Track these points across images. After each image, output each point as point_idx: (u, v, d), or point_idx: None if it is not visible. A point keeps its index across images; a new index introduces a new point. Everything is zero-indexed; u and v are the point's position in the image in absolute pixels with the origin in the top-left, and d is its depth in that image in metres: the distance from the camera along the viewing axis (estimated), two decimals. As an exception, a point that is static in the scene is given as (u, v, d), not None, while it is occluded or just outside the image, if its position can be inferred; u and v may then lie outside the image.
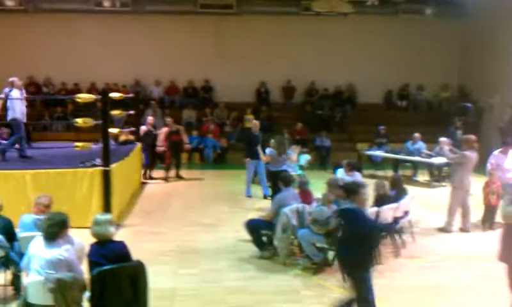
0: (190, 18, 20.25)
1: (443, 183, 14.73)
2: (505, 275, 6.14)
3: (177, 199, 12.71)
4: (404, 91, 21.85)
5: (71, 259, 5.21)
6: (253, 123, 13.15)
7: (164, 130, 14.86)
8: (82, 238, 6.66)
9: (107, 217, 5.40)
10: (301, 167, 14.61)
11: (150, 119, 15.27)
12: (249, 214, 10.58)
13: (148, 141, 14.71)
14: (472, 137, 10.23)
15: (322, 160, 17.82)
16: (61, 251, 5.13)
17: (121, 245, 5.35)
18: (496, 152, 10.56)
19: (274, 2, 19.78)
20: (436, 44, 21.37)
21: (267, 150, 11.53)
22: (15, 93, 11.07)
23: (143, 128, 14.92)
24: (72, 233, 6.51)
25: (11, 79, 11.19)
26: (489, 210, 10.10)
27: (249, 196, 12.90)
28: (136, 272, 5.12)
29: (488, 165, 10.41)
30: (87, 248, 5.38)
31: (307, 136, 19.14)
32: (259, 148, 12.23)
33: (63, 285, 4.97)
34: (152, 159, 14.95)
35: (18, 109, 11.03)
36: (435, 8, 20.17)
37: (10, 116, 11.05)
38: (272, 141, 11.57)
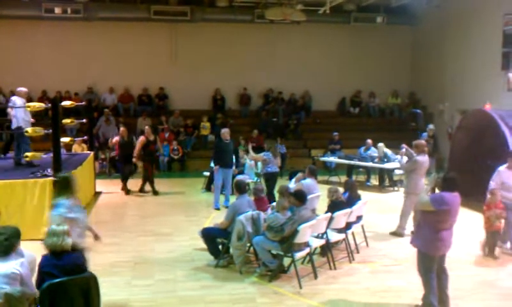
0: (144, 25, 20.09)
1: (396, 188, 15.08)
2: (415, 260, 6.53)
3: (132, 209, 12.54)
4: (356, 98, 22.25)
5: (25, 274, 5.08)
6: (224, 131, 13.14)
7: (141, 139, 14.14)
8: (32, 251, 6.51)
9: (64, 227, 5.27)
10: (257, 174, 14.65)
11: (122, 129, 14.71)
12: (205, 222, 10.58)
13: (124, 151, 14.29)
14: (422, 142, 10.43)
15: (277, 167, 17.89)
16: (16, 265, 5.00)
17: (79, 256, 5.24)
18: (502, 168, 9.48)
19: (228, 10, 19.85)
20: (387, 51, 21.95)
21: (265, 153, 12.13)
22: (19, 102, 10.98)
23: (116, 138, 14.47)
24: (22, 245, 6.37)
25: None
26: (493, 236, 8.91)
27: (218, 209, 12.35)
28: (87, 285, 5.02)
29: (492, 184, 9.35)
30: (38, 260, 5.25)
31: (263, 143, 19.20)
32: (231, 156, 12.70)
33: (11, 300, 4.83)
34: (129, 170, 14.45)
35: (21, 117, 10.94)
36: (386, 17, 20.70)
37: (15, 124, 10.93)
38: (266, 145, 12.53)
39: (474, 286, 7.53)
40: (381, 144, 15.51)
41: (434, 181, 6.57)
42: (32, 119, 11.42)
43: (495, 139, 12.31)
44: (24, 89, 11.50)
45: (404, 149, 10.59)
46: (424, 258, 6.34)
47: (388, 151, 15.26)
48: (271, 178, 11.96)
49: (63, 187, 5.95)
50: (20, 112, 10.95)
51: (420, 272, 6.43)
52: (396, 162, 14.72)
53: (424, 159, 9.94)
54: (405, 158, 10.48)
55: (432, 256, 6.30)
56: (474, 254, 9.06)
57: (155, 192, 14.12)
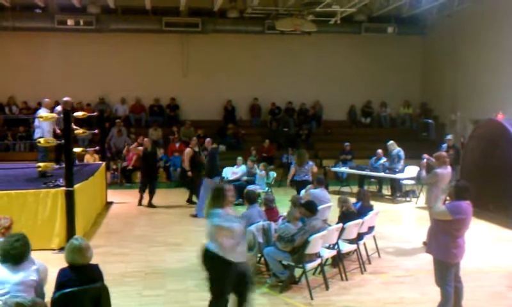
0: (155, 36, 20.23)
1: (408, 199, 14.99)
2: (433, 268, 6.43)
3: (143, 219, 12.57)
4: (367, 108, 22.20)
5: (40, 281, 5.07)
6: (205, 141, 13.31)
7: (188, 151, 13.85)
8: (44, 261, 6.53)
9: (86, 241, 5.23)
10: (268, 185, 14.66)
11: (145, 140, 14.32)
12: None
13: (147, 162, 13.99)
14: (443, 153, 10.02)
15: (288, 178, 17.86)
16: (33, 272, 5.00)
17: (97, 268, 5.21)
18: None
19: (239, 21, 19.94)
20: (398, 61, 21.93)
21: (291, 164, 12.29)
22: (43, 113, 11.07)
23: (140, 148, 14.16)
24: (33, 255, 6.39)
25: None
26: None
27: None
28: (98, 295, 5.01)
29: None
30: (49, 270, 5.22)
31: (274, 153, 19.23)
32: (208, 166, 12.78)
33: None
34: (151, 182, 14.02)
35: (46, 128, 11.02)
36: (397, 27, 20.69)
37: (38, 134, 11.03)
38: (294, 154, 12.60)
39: (486, 298, 7.43)
40: (391, 142, 15.39)
41: (448, 190, 6.54)
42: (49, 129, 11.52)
43: (508, 148, 12.23)
44: (68, 98, 11.66)
45: (425, 160, 10.26)
46: (441, 266, 6.30)
47: (401, 151, 15.12)
48: (297, 187, 11.84)
49: (218, 197, 5.86)
50: (45, 123, 11.02)
51: (438, 281, 6.36)
52: (401, 165, 14.77)
53: (445, 172, 9.42)
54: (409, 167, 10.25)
55: (449, 263, 6.26)
56: (485, 264, 8.97)
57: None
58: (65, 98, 11.77)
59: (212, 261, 5.70)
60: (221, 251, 5.62)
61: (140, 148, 14.21)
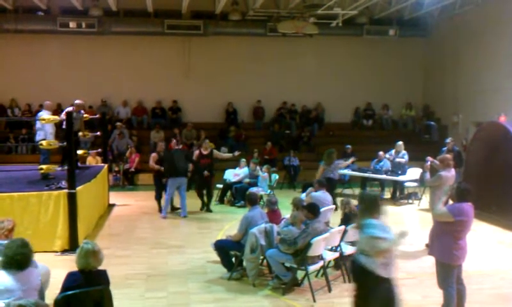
0: (157, 38, 20.24)
1: (410, 201, 14.96)
2: (435, 270, 6.46)
3: (145, 221, 12.55)
4: (369, 111, 22.19)
5: (42, 283, 5.08)
6: (172, 142, 13.52)
7: (196, 153, 13.57)
8: (46, 263, 6.53)
9: (97, 245, 5.22)
10: (270, 187, 14.65)
11: (160, 144, 13.71)
12: (218, 235, 10.56)
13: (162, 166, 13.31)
14: (448, 156, 10.00)
15: (290, 180, 17.90)
16: (37, 276, 4.99)
17: (105, 275, 5.20)
18: None
19: (241, 23, 19.96)
20: (399, 64, 21.91)
21: (321, 163, 13.12)
22: (45, 115, 11.11)
23: (153, 155, 13.44)
24: (35, 257, 6.40)
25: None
26: None
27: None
28: (101, 297, 5.02)
29: None
30: (52, 273, 5.25)
31: (276, 156, 19.21)
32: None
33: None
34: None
35: (48, 130, 11.06)
36: (398, 29, 20.69)
37: (40, 136, 11.05)
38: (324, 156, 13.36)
39: (489, 300, 7.42)
40: (400, 143, 15.46)
41: (449, 192, 6.55)
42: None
43: (510, 151, 12.22)
44: (80, 101, 11.86)
45: (429, 163, 10.21)
46: (444, 268, 6.30)
47: (406, 154, 15.20)
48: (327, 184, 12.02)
49: (372, 206, 5.51)
50: (48, 126, 11.05)
51: (440, 283, 6.37)
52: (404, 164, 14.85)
53: (449, 174, 9.39)
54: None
55: (452, 265, 6.27)
56: (487, 267, 8.96)
57: (209, 210, 13.74)
58: (77, 101, 11.85)
59: (365, 277, 5.30)
60: (374, 265, 5.22)
61: (154, 154, 13.57)
